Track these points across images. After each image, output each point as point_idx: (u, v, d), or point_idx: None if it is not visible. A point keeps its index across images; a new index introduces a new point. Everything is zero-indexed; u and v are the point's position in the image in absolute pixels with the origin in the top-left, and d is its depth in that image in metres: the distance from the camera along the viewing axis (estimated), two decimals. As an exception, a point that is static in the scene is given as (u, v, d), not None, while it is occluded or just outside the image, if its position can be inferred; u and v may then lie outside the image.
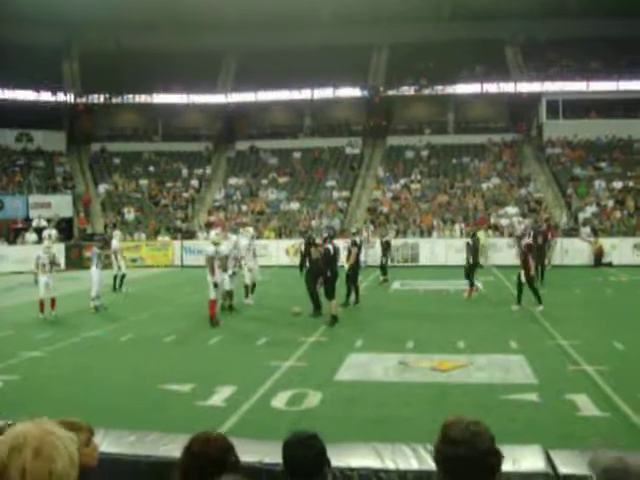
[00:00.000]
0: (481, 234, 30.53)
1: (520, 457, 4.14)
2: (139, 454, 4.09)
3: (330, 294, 16.22)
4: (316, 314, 16.98)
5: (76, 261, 32.07)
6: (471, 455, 2.70)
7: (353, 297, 19.20)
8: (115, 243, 23.72)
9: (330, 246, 16.58)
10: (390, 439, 7.77)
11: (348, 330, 15.28)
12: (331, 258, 16.38)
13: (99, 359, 12.79)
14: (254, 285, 20.07)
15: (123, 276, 23.63)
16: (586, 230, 32.55)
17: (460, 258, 30.45)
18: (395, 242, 31.90)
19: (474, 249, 21.16)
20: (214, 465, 3.05)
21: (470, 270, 20.91)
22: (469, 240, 21.87)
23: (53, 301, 17.87)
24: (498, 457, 2.78)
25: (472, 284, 20.95)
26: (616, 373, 10.75)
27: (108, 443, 4.29)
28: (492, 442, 2.78)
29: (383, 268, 25.32)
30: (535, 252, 17.76)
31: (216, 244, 16.56)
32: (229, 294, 18.38)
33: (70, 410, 8.85)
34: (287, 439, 3.42)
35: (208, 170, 44.30)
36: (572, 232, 33.17)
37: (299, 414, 9.02)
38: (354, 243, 19.25)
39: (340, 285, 17.56)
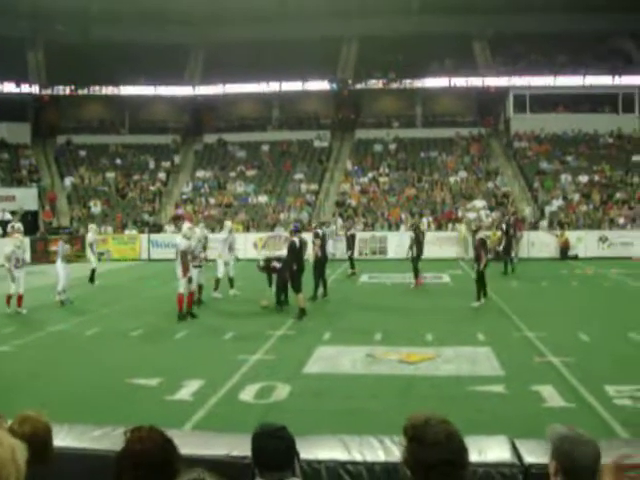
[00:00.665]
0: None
1: (486, 448, 4.16)
2: (104, 449, 4.04)
3: (296, 287, 16.18)
4: (281, 308, 17.03)
5: (41, 255, 31.65)
6: (447, 457, 2.70)
7: (321, 290, 19.18)
8: (90, 236, 23.95)
9: (296, 239, 16.53)
10: (358, 431, 7.76)
11: (316, 323, 15.28)
12: (297, 251, 16.33)
13: (65, 353, 12.66)
14: (232, 279, 19.93)
15: (94, 270, 23.54)
16: (543, 224, 32.89)
17: (428, 251, 30.82)
18: (363, 235, 31.95)
19: (417, 241, 21.83)
20: (152, 465, 2.93)
21: (414, 261, 21.63)
22: (411, 233, 22.57)
23: (20, 297, 17.52)
24: (467, 453, 2.79)
25: (417, 275, 21.73)
26: (581, 364, 10.88)
27: (72, 438, 4.23)
28: (461, 439, 2.79)
29: (351, 261, 25.42)
30: (487, 247, 17.66)
31: (188, 238, 16.45)
32: (199, 288, 18.31)
33: (35, 404, 8.76)
34: (256, 431, 3.38)
35: (176, 163, 44.03)
36: (538, 225, 33.52)
37: (267, 407, 9.00)
38: (316, 235, 19.25)
39: (308, 278, 17.56)
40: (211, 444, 4.35)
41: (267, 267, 17.35)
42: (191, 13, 43.58)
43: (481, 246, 17.51)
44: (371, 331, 13.98)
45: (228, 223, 21.40)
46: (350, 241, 26.19)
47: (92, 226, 25.20)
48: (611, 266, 26.88)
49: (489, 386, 9.77)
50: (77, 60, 43.85)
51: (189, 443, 4.10)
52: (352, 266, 25.02)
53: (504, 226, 26.87)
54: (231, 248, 20.08)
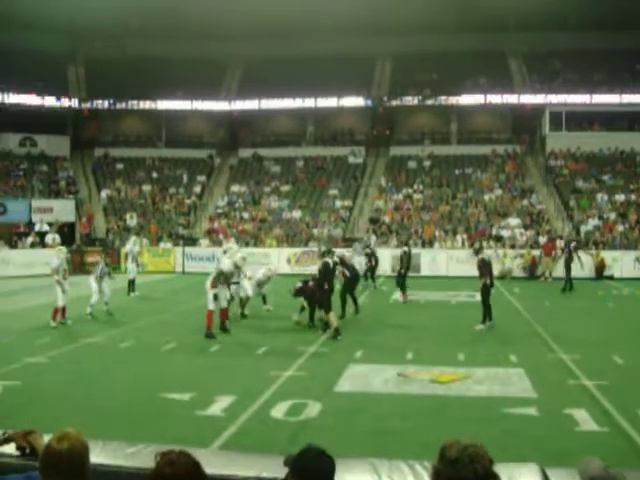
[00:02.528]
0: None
1: (517, 475, 4.14)
2: (137, 467, 4.11)
3: (327, 307, 16.08)
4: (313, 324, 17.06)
5: (77, 266, 32.03)
6: (470, 478, 2.71)
7: (352, 308, 19.18)
8: (128, 247, 25.31)
9: (329, 260, 16.54)
10: (388, 452, 7.81)
11: (348, 341, 15.27)
12: (330, 272, 16.34)
13: (99, 366, 12.79)
14: (264, 296, 19.90)
15: (131, 281, 24.24)
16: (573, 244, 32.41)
17: (462, 269, 30.75)
18: (395, 252, 31.88)
19: (407, 258, 22.70)
20: None
21: (403, 278, 22.53)
22: (404, 249, 23.29)
23: (64, 309, 17.69)
24: (495, 478, 2.80)
25: (404, 290, 22.47)
26: (615, 388, 10.76)
27: (106, 454, 4.31)
28: (490, 465, 2.80)
29: (372, 277, 26.37)
30: (489, 268, 17.43)
31: (237, 267, 16.66)
32: (244, 301, 18.67)
33: (70, 417, 8.91)
34: (304, 449, 3.37)
35: (211, 177, 44.43)
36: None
37: (298, 425, 9.03)
38: (342, 262, 18.81)
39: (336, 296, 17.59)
40: (241, 465, 4.39)
41: (301, 290, 17.34)
42: (228, 29, 44.01)
43: (482, 267, 17.24)
44: (403, 350, 13.97)
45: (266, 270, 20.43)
46: (368, 257, 26.74)
47: (133, 238, 26.13)
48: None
49: (521, 408, 9.71)
50: (116, 75, 44.58)
51: (219, 463, 4.16)
52: (372, 281, 25.61)
53: (567, 249, 27.57)
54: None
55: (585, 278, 29.63)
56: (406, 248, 23.31)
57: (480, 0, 41.28)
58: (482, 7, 41.32)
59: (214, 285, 15.99)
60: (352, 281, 19.19)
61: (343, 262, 18.83)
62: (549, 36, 44.03)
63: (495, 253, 29.71)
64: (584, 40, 42.98)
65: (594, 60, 43.55)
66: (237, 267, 16.58)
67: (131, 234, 30.98)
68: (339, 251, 21.89)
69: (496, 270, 22.79)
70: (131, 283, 24.32)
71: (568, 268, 26.25)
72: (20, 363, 12.79)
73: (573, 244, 28.10)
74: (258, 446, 8.02)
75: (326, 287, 16.02)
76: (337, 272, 17.68)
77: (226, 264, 16.35)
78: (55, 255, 18.26)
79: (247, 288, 18.79)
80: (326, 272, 16.21)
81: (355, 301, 19.40)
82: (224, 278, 16.29)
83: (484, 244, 29.33)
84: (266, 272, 19.62)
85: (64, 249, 19.18)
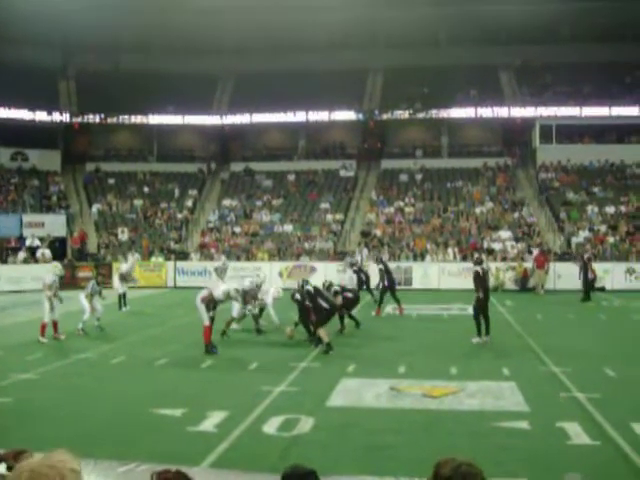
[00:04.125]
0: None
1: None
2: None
3: (320, 323, 16.07)
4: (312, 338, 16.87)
5: (69, 281, 31.90)
6: None
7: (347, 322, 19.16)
8: (126, 267, 25.61)
9: (309, 287, 16.76)
10: (381, 467, 7.81)
11: (340, 355, 15.23)
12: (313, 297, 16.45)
13: (90, 382, 12.74)
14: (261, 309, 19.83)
15: (121, 296, 24.19)
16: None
17: (453, 282, 30.86)
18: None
19: (383, 274, 22.87)
20: None
21: (382, 292, 22.84)
22: (380, 266, 23.43)
23: (56, 324, 17.62)
24: None
25: (380, 304, 22.80)
26: (608, 401, 10.77)
27: (98, 474, 4.29)
28: None
29: (368, 290, 25.77)
30: (484, 281, 17.40)
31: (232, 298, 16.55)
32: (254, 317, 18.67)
33: (61, 434, 8.87)
34: (286, 472, 3.35)
35: (203, 191, 44.43)
36: (565, 256, 33.29)
37: (291, 440, 9.00)
38: (336, 293, 18.64)
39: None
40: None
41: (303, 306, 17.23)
42: (219, 44, 44.23)
43: (475, 280, 17.21)
44: (395, 364, 13.95)
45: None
46: (357, 273, 26.09)
47: (133, 255, 28.17)
48: (638, 299, 26.63)
49: (513, 422, 9.70)
50: (107, 89, 44.63)
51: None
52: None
53: (581, 262, 28.30)
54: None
55: (577, 290, 29.66)
56: (381, 265, 23.35)
57: (470, 14, 41.58)
58: (472, 21, 41.62)
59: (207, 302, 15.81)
60: (354, 301, 19.20)
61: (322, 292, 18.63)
62: (539, 49, 44.41)
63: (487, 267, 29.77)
64: (574, 53, 43.37)
65: (584, 73, 43.91)
66: (232, 297, 16.36)
67: (131, 253, 31.04)
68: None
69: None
70: (122, 297, 24.24)
71: (585, 279, 27.25)
72: (10, 380, 12.72)
73: (587, 255, 28.41)
74: (250, 462, 8.00)
75: (328, 307, 16.21)
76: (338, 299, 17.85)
77: (220, 292, 16.01)
78: (51, 271, 18.18)
79: (233, 309, 18.60)
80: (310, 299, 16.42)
81: (352, 317, 19.34)
82: (213, 304, 15.99)
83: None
84: (274, 293, 19.30)
85: (59, 265, 19.11)
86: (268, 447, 8.66)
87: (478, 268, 17.47)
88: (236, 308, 18.53)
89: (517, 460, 8.07)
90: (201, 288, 16.70)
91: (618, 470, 7.86)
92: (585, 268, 27.41)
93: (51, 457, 2.63)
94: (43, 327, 17.32)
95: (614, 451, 8.46)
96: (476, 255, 22.10)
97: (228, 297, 16.13)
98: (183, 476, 3.11)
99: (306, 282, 17.38)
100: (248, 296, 18.41)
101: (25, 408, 10.75)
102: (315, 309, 16.26)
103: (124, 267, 25.84)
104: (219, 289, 16.03)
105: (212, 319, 15.80)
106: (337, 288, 18.60)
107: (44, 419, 10.05)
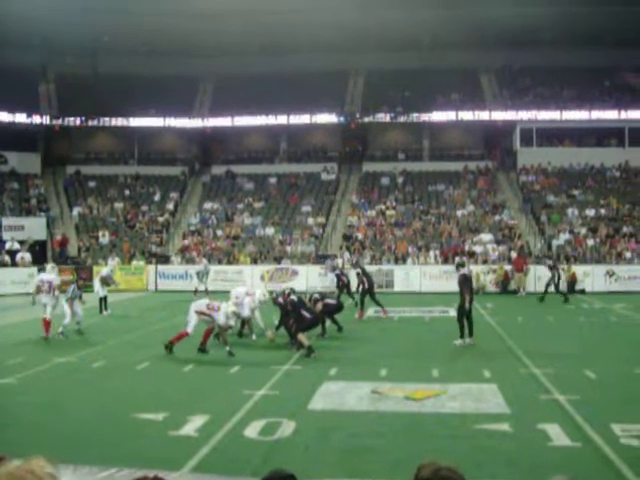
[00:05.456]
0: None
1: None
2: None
3: (301, 329, 16.10)
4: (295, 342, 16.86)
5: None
6: None
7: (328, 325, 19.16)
8: (106, 272, 25.21)
9: (294, 297, 16.99)
10: (363, 470, 7.81)
11: (322, 358, 15.21)
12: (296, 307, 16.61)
13: (71, 386, 12.66)
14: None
15: (102, 299, 24.15)
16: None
17: (435, 285, 30.98)
18: (369, 269, 31.92)
19: (365, 275, 23.09)
20: None
21: (362, 295, 22.75)
22: (357, 270, 23.83)
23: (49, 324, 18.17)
24: None
25: (362, 307, 22.77)
26: (588, 402, 10.83)
27: (77, 479, 4.26)
28: None
29: (349, 294, 25.63)
30: (470, 284, 17.46)
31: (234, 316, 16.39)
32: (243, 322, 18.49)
33: (41, 439, 8.80)
34: (266, 476, 3.35)
35: (184, 194, 44.31)
36: (546, 259, 33.41)
37: (272, 444, 8.97)
38: (315, 300, 18.47)
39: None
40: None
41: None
42: (201, 46, 44.12)
43: (462, 283, 17.21)
44: (377, 366, 13.95)
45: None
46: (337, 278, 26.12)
47: (111, 262, 27.94)
48: (618, 301, 26.83)
49: (494, 424, 9.72)
50: (87, 92, 44.44)
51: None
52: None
53: (551, 264, 28.71)
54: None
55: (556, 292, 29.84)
56: (358, 269, 23.69)
57: (452, 18, 41.74)
58: (454, 24, 41.77)
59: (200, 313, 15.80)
60: (337, 308, 19.20)
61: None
62: (520, 53, 44.70)
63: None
64: (554, 57, 43.65)
65: (564, 77, 44.33)
66: (234, 315, 16.25)
67: (111, 257, 31.35)
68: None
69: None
70: (102, 301, 24.10)
71: (556, 284, 27.97)
72: (-10, 384, 12.62)
73: (549, 262, 28.83)
74: (232, 466, 7.98)
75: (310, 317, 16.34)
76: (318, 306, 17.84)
77: (221, 319, 15.80)
78: (54, 273, 19.05)
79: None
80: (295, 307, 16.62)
81: (335, 321, 19.36)
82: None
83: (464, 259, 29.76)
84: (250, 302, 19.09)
85: (55, 266, 19.82)
86: (250, 451, 8.63)
87: (465, 271, 17.55)
88: (191, 324, 16.95)
89: (498, 462, 8.10)
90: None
91: (599, 471, 7.90)
92: (552, 274, 27.83)
93: (29, 462, 2.63)
94: (47, 324, 18.11)
95: (594, 452, 8.50)
96: (457, 260, 22.22)
97: (227, 320, 15.96)
98: None
99: (292, 291, 17.50)
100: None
101: (4, 414, 10.66)
102: (297, 319, 16.30)
103: (104, 271, 25.71)
104: (219, 317, 15.68)
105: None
106: (317, 296, 18.59)
107: (23, 424, 9.95)
